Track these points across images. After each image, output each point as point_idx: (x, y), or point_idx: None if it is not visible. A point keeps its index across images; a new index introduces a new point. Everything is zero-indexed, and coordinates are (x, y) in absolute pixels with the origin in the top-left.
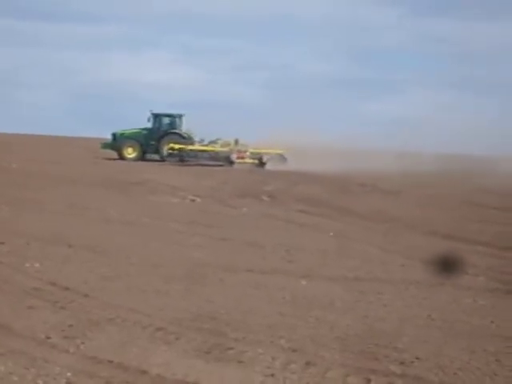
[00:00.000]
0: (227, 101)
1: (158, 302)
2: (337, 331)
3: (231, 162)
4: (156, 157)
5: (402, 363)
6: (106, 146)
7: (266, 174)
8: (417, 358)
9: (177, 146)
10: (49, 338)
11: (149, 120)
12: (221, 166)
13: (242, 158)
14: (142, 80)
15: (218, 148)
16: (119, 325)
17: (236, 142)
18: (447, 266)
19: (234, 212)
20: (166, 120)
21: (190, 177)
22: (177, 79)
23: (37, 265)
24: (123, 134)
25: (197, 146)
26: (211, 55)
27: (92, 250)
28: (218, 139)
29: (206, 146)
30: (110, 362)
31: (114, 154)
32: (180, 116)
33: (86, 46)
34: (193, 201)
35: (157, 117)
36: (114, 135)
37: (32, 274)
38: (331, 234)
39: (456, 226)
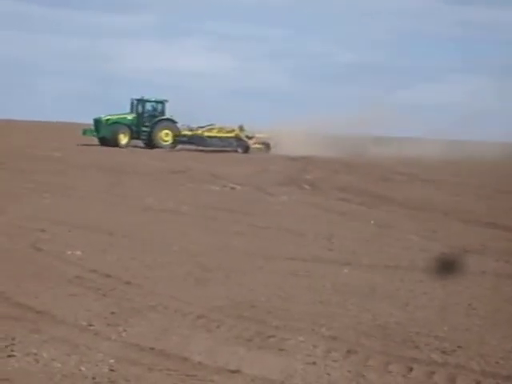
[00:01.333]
0: (260, 88)
1: (199, 289)
2: (378, 319)
3: (247, 148)
4: (140, 143)
5: (443, 352)
6: (91, 131)
7: (306, 161)
8: (458, 347)
9: (189, 132)
10: (91, 325)
11: (132, 105)
12: (234, 151)
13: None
14: (176, 68)
15: (228, 134)
16: (161, 312)
17: (241, 128)
18: (486, 254)
19: (274, 200)
20: (154, 106)
21: (229, 165)
22: (210, 67)
23: (78, 252)
24: (109, 119)
25: (210, 132)
26: (246, 43)
27: (133, 238)
28: (210, 124)
29: (198, 131)
30: (152, 349)
31: (93, 140)
32: (164, 101)
33: (122, 35)
34: (233, 189)
35: (144, 102)
36: (97, 121)
37: (73, 261)
38: (372, 222)
39: (496, 214)
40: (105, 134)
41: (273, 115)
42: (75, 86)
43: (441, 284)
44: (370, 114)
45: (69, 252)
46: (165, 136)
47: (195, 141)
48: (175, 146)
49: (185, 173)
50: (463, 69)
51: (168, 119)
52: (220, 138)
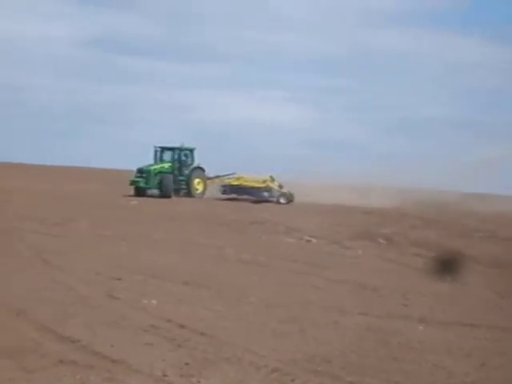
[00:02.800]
0: (338, 140)
1: (274, 342)
2: (453, 378)
3: (290, 199)
4: (156, 192)
5: None
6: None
7: (383, 215)
8: None
9: (235, 182)
10: (165, 375)
11: (156, 154)
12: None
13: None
14: (254, 119)
15: (261, 184)
16: (235, 364)
17: (272, 178)
18: None
19: (349, 253)
20: (189, 154)
21: (303, 217)
22: (288, 118)
23: (153, 302)
24: (156, 169)
25: (249, 182)
26: (324, 95)
27: (208, 288)
28: (233, 173)
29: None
30: None
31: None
32: (193, 149)
33: (199, 85)
34: (308, 241)
35: (181, 151)
36: (144, 171)
37: (149, 310)
38: (448, 278)
39: None
40: (152, 184)
41: (348, 166)
42: (155, 136)
43: None
44: (445, 169)
45: (144, 301)
46: (197, 184)
47: (235, 190)
48: (203, 195)
49: (261, 224)
50: None
51: (199, 167)
52: (256, 188)
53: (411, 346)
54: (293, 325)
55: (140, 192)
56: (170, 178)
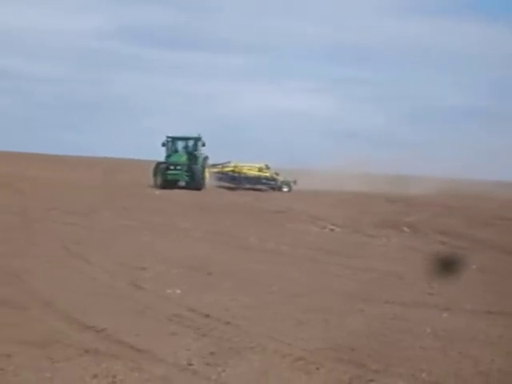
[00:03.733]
0: (360, 129)
1: (298, 331)
2: (480, 366)
3: (290, 187)
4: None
5: None
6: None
7: (406, 203)
8: None
9: (237, 169)
10: (191, 364)
11: (164, 144)
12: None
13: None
14: (279, 109)
15: (264, 173)
16: (259, 353)
17: (267, 166)
18: None
19: (373, 242)
20: (199, 144)
21: (327, 206)
22: (314, 108)
23: (178, 291)
24: (186, 161)
25: (251, 171)
26: (350, 85)
27: (232, 277)
28: (228, 162)
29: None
30: None
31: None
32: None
33: (226, 76)
34: (332, 230)
35: (197, 140)
36: (179, 163)
37: (173, 300)
38: (474, 267)
39: None
40: (186, 176)
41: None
42: (186, 127)
43: None
44: (467, 157)
45: (169, 291)
46: (207, 174)
47: (236, 179)
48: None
49: (285, 213)
50: None
51: (206, 157)
52: (257, 176)
53: (436, 335)
54: (317, 313)
55: (170, 184)
56: (200, 169)
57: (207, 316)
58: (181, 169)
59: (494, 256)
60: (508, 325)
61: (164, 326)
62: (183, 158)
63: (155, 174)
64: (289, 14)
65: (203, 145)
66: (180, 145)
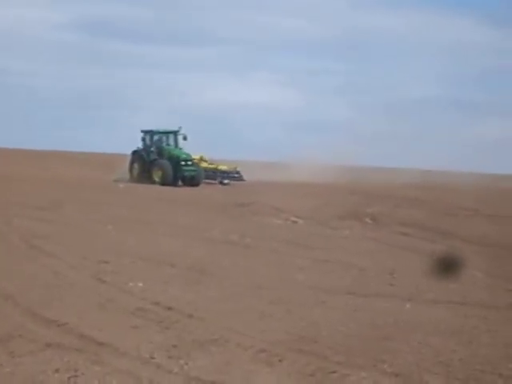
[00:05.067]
0: (323, 121)
1: (261, 323)
2: (441, 356)
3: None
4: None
5: None
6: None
7: (369, 195)
8: None
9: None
10: (153, 357)
11: (145, 139)
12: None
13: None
14: (244, 101)
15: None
16: (222, 346)
17: (202, 157)
18: None
19: (336, 234)
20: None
21: (291, 198)
22: (276, 100)
23: (140, 284)
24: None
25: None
26: (320, 77)
27: (195, 271)
28: None
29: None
30: (213, 382)
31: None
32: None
33: (189, 68)
34: (295, 222)
35: (177, 135)
36: (191, 159)
37: (136, 293)
38: (434, 257)
39: None
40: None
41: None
42: (142, 119)
43: (505, 321)
44: (434, 149)
45: (131, 284)
46: None
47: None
48: None
49: (249, 206)
50: None
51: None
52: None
53: (398, 325)
54: (280, 306)
55: (189, 181)
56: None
57: (170, 309)
58: (192, 164)
59: (456, 246)
60: (469, 315)
61: (126, 319)
62: (189, 154)
63: (136, 169)
64: (259, 7)
65: (184, 138)
66: (161, 139)
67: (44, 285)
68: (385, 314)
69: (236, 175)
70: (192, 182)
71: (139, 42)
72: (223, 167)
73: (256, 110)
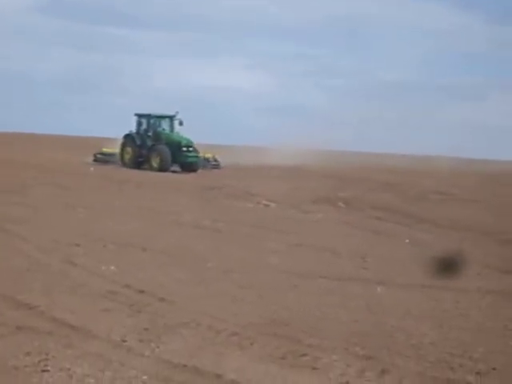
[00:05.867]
0: (295, 106)
1: (233, 307)
2: (412, 339)
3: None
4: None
5: (477, 373)
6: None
7: (342, 179)
8: (493, 369)
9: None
10: (124, 341)
11: (138, 123)
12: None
13: None
14: (216, 85)
15: None
16: (194, 329)
17: None
18: None
19: (308, 217)
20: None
21: (264, 182)
22: (248, 84)
23: (112, 268)
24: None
25: None
26: (284, 61)
27: (167, 254)
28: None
29: None
30: (185, 366)
31: None
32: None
33: (161, 52)
34: (268, 206)
35: (173, 119)
36: (192, 145)
37: (108, 276)
38: (406, 241)
39: None
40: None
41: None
42: (105, 102)
43: (476, 304)
44: (406, 133)
45: (103, 267)
46: None
47: None
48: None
49: (221, 189)
50: (500, 87)
51: None
52: None
53: (370, 309)
54: (252, 289)
55: (188, 167)
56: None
57: (142, 292)
58: (193, 150)
59: (428, 230)
60: (440, 298)
61: (98, 302)
62: (189, 139)
63: (128, 153)
64: None
65: (180, 123)
66: (164, 124)
67: (15, 268)
68: (357, 297)
69: (214, 162)
70: (191, 167)
71: (112, 25)
72: (208, 155)
73: (229, 94)
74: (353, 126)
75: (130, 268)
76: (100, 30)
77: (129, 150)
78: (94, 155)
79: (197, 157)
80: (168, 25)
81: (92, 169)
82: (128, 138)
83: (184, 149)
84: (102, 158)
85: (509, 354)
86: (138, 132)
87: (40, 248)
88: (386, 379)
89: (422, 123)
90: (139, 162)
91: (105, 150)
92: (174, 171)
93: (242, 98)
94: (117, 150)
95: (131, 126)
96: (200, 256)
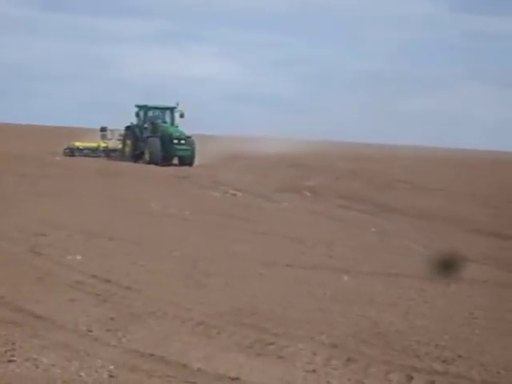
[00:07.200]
0: (264, 94)
1: (199, 295)
2: (378, 327)
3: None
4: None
5: (443, 361)
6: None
7: (308, 168)
8: (459, 356)
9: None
10: (91, 330)
11: (137, 114)
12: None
13: None
14: (183, 74)
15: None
16: (160, 318)
17: None
18: (489, 263)
19: (275, 206)
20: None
21: (231, 171)
22: (218, 73)
23: (78, 257)
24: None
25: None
26: (253, 49)
27: (133, 243)
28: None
29: None
30: (152, 355)
31: None
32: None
33: (129, 41)
34: (234, 195)
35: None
36: (185, 138)
37: (74, 266)
38: (373, 229)
39: (498, 224)
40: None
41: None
42: (77, 91)
43: (442, 293)
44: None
45: (69, 257)
46: None
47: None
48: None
49: (188, 178)
50: (469, 77)
51: None
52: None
53: (336, 297)
54: (218, 278)
55: (181, 161)
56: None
57: (108, 281)
58: (185, 143)
59: (394, 219)
60: (406, 286)
61: (64, 292)
62: (184, 132)
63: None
64: None
65: (181, 115)
66: (165, 115)
67: None
68: (323, 285)
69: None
70: (184, 161)
71: (76, 14)
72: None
73: (196, 83)
74: (324, 114)
75: (97, 257)
76: (64, 18)
77: (128, 142)
78: (64, 150)
79: (188, 150)
80: (133, 13)
81: (58, 158)
82: (128, 130)
83: (175, 141)
84: (71, 154)
85: (474, 342)
86: (137, 124)
87: (5, 238)
88: (352, 367)
89: (387, 111)
90: (137, 155)
91: (78, 144)
92: (169, 164)
93: (208, 85)
94: (93, 144)
95: (97, 115)
96: (166, 245)
